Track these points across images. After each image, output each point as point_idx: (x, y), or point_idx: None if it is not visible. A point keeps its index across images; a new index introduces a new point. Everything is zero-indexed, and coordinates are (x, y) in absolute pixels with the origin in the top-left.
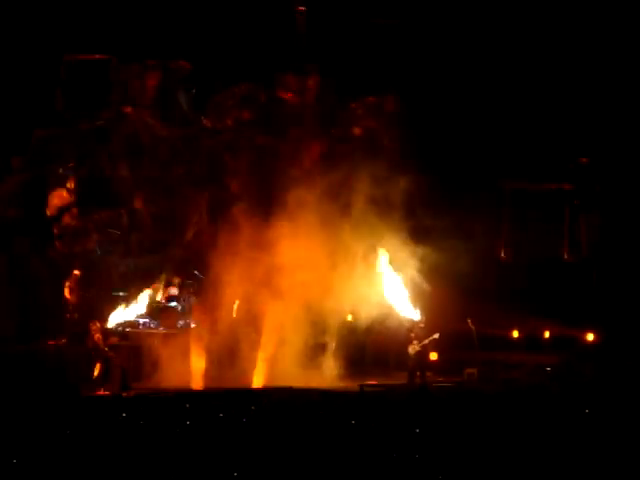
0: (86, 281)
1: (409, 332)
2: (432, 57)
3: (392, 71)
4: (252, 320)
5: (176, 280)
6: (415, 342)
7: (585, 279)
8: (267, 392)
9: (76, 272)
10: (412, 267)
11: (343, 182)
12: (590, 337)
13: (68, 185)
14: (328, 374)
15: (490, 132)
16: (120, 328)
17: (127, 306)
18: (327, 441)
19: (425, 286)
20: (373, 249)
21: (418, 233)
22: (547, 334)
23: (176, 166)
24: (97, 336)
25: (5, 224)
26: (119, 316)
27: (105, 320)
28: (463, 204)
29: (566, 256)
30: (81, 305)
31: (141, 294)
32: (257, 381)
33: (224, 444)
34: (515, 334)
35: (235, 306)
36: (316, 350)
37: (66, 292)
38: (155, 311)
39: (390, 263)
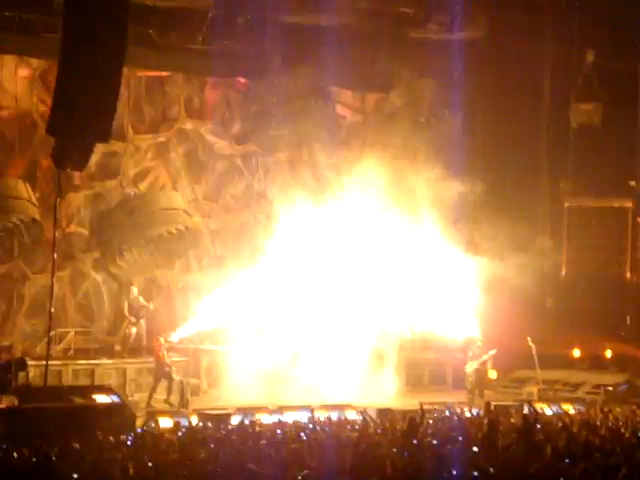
0: (147, 297)
1: (466, 350)
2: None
3: (450, 86)
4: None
5: None
6: (473, 360)
7: None
8: (324, 409)
9: (134, 289)
10: (471, 283)
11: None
12: None
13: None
14: (387, 392)
15: (553, 148)
16: (180, 344)
17: (188, 322)
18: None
19: (484, 303)
20: (431, 263)
21: (478, 249)
22: (609, 353)
23: (235, 182)
24: (161, 352)
25: (67, 240)
26: (181, 332)
27: (169, 336)
28: (525, 220)
29: (629, 274)
30: (138, 321)
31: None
32: (315, 398)
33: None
34: (576, 353)
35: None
36: (374, 368)
37: (125, 309)
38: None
39: (448, 279)
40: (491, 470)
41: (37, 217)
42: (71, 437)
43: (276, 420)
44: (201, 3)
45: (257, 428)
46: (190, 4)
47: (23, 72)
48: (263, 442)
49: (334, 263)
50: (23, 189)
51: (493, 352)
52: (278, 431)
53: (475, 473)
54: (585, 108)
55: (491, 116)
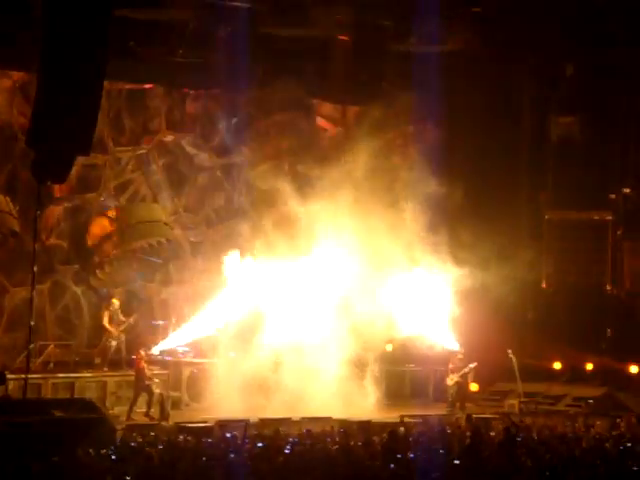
0: (127, 310)
1: (447, 363)
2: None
3: (431, 99)
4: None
5: None
6: (454, 373)
7: (628, 310)
8: (305, 422)
9: (115, 302)
10: (451, 295)
11: (385, 207)
12: (634, 369)
13: (109, 213)
14: (367, 404)
15: (533, 160)
16: (160, 357)
17: (167, 335)
18: (367, 472)
19: (465, 315)
20: (412, 275)
21: (458, 261)
22: (590, 366)
23: (215, 194)
24: (142, 365)
25: (47, 252)
26: (161, 345)
27: (149, 349)
28: (505, 232)
29: (609, 286)
30: (120, 334)
31: (181, 323)
32: (295, 410)
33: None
34: (557, 365)
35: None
36: (355, 380)
37: (105, 321)
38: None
39: (429, 291)
40: None
41: (17, 229)
42: (51, 451)
43: (257, 433)
44: (181, 15)
45: (238, 441)
46: (170, 17)
47: (3, 84)
48: (244, 455)
49: (313, 273)
50: (3, 201)
51: (474, 365)
52: (259, 444)
53: None
54: (565, 121)
55: (472, 129)
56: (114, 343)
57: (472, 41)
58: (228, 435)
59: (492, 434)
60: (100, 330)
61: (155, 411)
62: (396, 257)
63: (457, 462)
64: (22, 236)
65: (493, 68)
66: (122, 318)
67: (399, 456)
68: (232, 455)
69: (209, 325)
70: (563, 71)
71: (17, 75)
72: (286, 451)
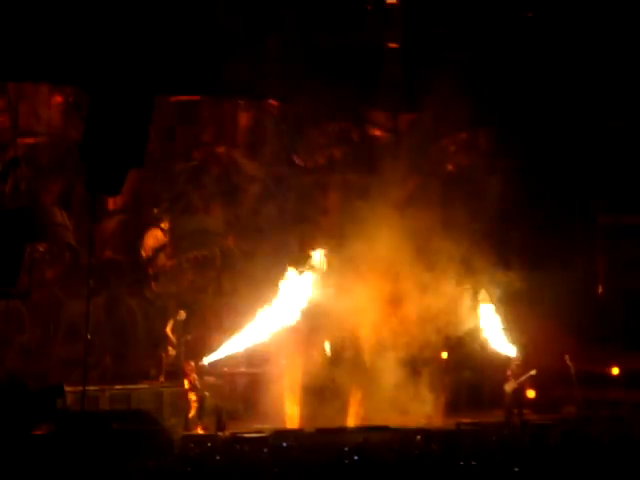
0: (184, 321)
1: (505, 369)
2: (525, 91)
3: (484, 105)
4: (345, 359)
5: None
6: (512, 379)
7: None
8: (362, 431)
9: (182, 312)
10: (508, 302)
11: (435, 217)
12: None
13: (162, 225)
14: (423, 412)
15: (586, 164)
16: (216, 367)
17: (220, 345)
18: None
19: (521, 321)
20: (469, 284)
21: (514, 268)
22: None
23: (267, 204)
24: (193, 376)
25: (102, 265)
26: (214, 355)
27: (200, 360)
28: (560, 237)
29: None
30: (179, 345)
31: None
32: (351, 420)
33: None
34: (615, 371)
35: (327, 345)
36: (411, 388)
37: (168, 330)
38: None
39: (486, 298)
40: None
41: (72, 243)
42: (110, 463)
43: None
44: (232, 26)
45: (293, 451)
46: (221, 27)
47: (55, 99)
48: (300, 464)
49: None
50: (58, 215)
51: (533, 372)
52: (315, 454)
53: None
54: (617, 124)
55: (524, 131)
56: (174, 352)
57: (526, 47)
58: (284, 445)
59: (550, 441)
60: (155, 341)
61: (211, 422)
62: (449, 259)
63: (516, 469)
64: (77, 249)
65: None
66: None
67: (459, 464)
68: (288, 466)
69: (261, 334)
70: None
71: (69, 90)
72: (346, 461)
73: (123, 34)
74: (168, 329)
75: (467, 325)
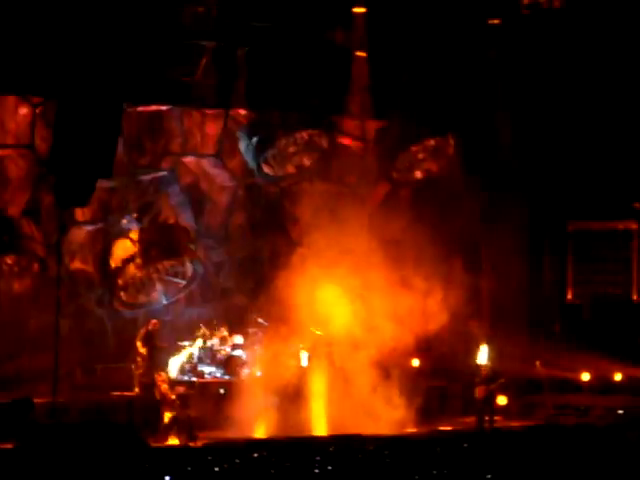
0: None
1: (475, 376)
2: (492, 95)
3: (452, 112)
4: (317, 367)
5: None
6: (482, 386)
7: None
8: (334, 440)
9: (154, 322)
10: (476, 309)
11: (405, 226)
12: None
13: (132, 235)
14: (396, 419)
15: (555, 170)
16: (186, 377)
17: (192, 356)
18: None
19: (491, 328)
20: (436, 291)
21: (482, 275)
22: (618, 376)
23: (237, 214)
24: (164, 386)
25: (71, 276)
26: (185, 366)
27: (171, 370)
28: (529, 243)
29: (635, 296)
30: (150, 356)
31: (206, 343)
32: (323, 429)
33: None
34: (585, 377)
35: (301, 353)
36: (381, 396)
37: (138, 343)
38: (220, 360)
39: (453, 305)
40: None
41: (41, 255)
42: (82, 475)
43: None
44: (200, 36)
45: (265, 461)
46: (189, 37)
47: (23, 109)
48: (271, 474)
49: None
50: (26, 227)
51: (502, 379)
52: (287, 463)
53: None
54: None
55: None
56: (144, 363)
57: (495, 52)
58: (256, 455)
59: (522, 447)
60: (126, 352)
61: (182, 433)
62: (419, 263)
63: (489, 476)
64: (46, 261)
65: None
66: (156, 342)
67: (432, 472)
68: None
69: (233, 344)
70: None
71: (37, 100)
72: (316, 471)
73: (91, 44)
74: (138, 340)
75: (436, 327)
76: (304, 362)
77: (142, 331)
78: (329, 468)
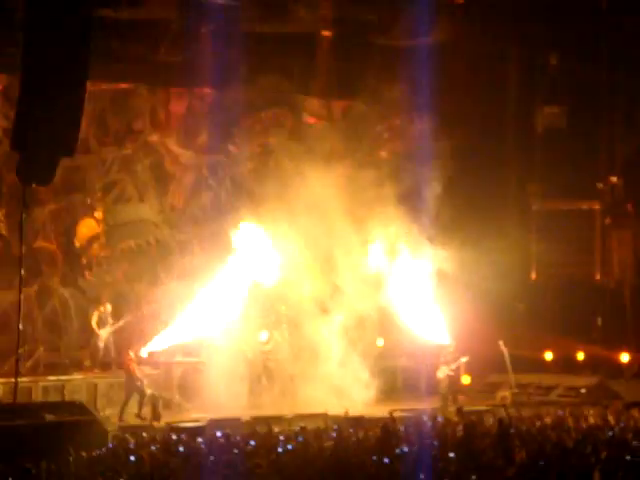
0: (116, 311)
1: (439, 355)
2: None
3: (417, 91)
4: (284, 345)
5: None
6: (445, 365)
7: (618, 298)
8: (299, 419)
9: (108, 304)
10: (440, 289)
11: (369, 204)
12: (625, 358)
13: (96, 215)
14: (359, 400)
15: (520, 150)
16: (152, 357)
17: (157, 335)
18: (361, 468)
19: (454, 308)
20: (401, 269)
21: (446, 254)
22: (581, 355)
23: (202, 193)
24: (132, 366)
25: (34, 255)
26: (151, 345)
27: (138, 349)
28: (493, 224)
29: (598, 276)
30: (108, 336)
31: (175, 324)
32: (289, 407)
33: (255, 473)
34: (548, 356)
35: (266, 332)
36: (346, 375)
37: (93, 323)
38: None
39: (418, 285)
40: (472, 477)
41: (3, 233)
42: (43, 454)
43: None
44: (164, 14)
45: (230, 439)
46: (153, 16)
47: None
48: (235, 452)
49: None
50: None
51: (465, 359)
52: (252, 442)
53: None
54: (550, 111)
55: (458, 120)
56: (102, 345)
57: (456, 33)
58: (219, 434)
59: (484, 426)
60: (89, 332)
61: (146, 412)
62: (384, 247)
63: (452, 455)
64: (8, 239)
65: (478, 59)
66: (111, 321)
67: (393, 451)
68: (224, 454)
69: (197, 325)
70: (547, 61)
71: (0, 78)
72: (279, 449)
73: (53, 17)
74: (93, 322)
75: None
76: (263, 338)
77: (96, 313)
78: (289, 448)
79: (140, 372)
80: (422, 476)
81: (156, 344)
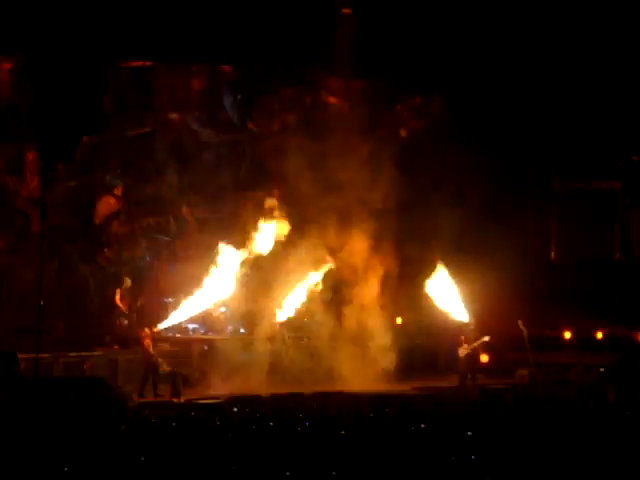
0: (136, 288)
1: (459, 334)
2: (478, 54)
3: (437, 71)
4: (302, 325)
5: None
6: (465, 344)
7: (637, 278)
8: (317, 397)
9: (128, 280)
10: (461, 269)
11: (390, 184)
12: None
13: (115, 192)
14: (379, 377)
15: (539, 130)
16: (170, 334)
17: (176, 312)
18: (380, 445)
19: (475, 287)
20: (423, 251)
21: (467, 235)
22: (600, 334)
23: (221, 171)
24: (147, 342)
25: (54, 231)
26: (168, 322)
27: (154, 327)
28: (512, 204)
29: (617, 255)
30: (131, 312)
31: (189, 300)
32: (308, 385)
33: (274, 451)
34: (567, 335)
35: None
36: (367, 353)
37: (117, 299)
38: (204, 317)
39: (440, 265)
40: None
41: (24, 210)
42: (65, 429)
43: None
44: None
45: (248, 417)
46: None
47: (5, 65)
48: (254, 430)
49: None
50: (9, 182)
51: (486, 338)
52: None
53: (472, 457)
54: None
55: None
56: (126, 322)
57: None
58: (238, 411)
59: (503, 405)
60: (108, 308)
61: (166, 388)
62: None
63: (470, 433)
64: (29, 216)
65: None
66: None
67: (412, 428)
68: (243, 431)
69: (215, 302)
70: None
71: (20, 56)
72: (298, 427)
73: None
74: (117, 298)
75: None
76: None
77: (119, 290)
78: (307, 424)
79: (154, 349)
80: (442, 454)
81: (173, 320)
